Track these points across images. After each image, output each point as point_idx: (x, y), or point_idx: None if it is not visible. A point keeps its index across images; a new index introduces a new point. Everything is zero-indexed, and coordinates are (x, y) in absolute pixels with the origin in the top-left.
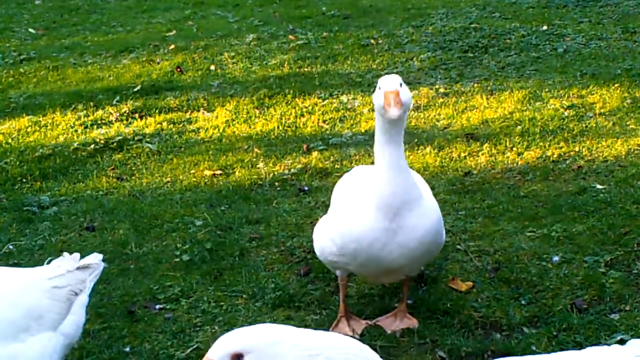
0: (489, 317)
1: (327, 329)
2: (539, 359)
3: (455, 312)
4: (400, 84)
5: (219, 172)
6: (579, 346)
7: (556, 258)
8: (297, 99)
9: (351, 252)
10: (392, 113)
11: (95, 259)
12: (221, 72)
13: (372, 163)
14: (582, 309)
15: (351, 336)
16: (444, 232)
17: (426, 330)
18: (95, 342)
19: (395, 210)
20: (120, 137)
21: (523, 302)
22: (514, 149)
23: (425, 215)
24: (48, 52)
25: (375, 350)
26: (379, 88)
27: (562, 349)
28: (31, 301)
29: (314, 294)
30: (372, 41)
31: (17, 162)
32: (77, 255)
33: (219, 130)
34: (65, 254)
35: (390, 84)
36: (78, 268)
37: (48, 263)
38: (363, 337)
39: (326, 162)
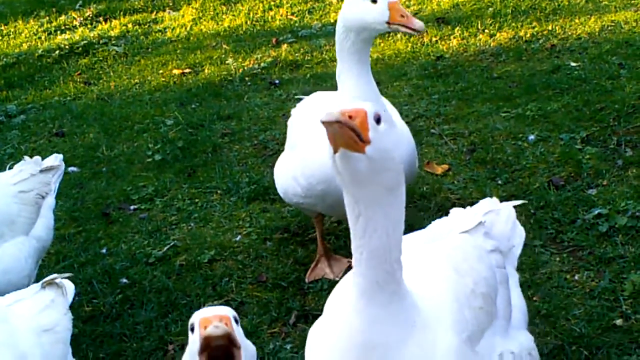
0: (466, 199)
1: (303, 221)
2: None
3: (432, 195)
4: None
5: (187, 70)
6: (557, 223)
7: (532, 137)
8: None
9: (318, 193)
10: (418, 24)
11: (57, 159)
12: None
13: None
14: (559, 186)
15: (331, 278)
16: (417, 162)
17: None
18: (72, 246)
19: None
20: (85, 42)
21: (500, 182)
22: (486, 31)
23: (401, 144)
24: None
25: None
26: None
27: (540, 227)
28: (1, 207)
29: None
30: None
31: None
32: (38, 158)
33: (185, 29)
34: (27, 157)
35: None
36: (41, 171)
37: (10, 168)
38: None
39: (296, 55)
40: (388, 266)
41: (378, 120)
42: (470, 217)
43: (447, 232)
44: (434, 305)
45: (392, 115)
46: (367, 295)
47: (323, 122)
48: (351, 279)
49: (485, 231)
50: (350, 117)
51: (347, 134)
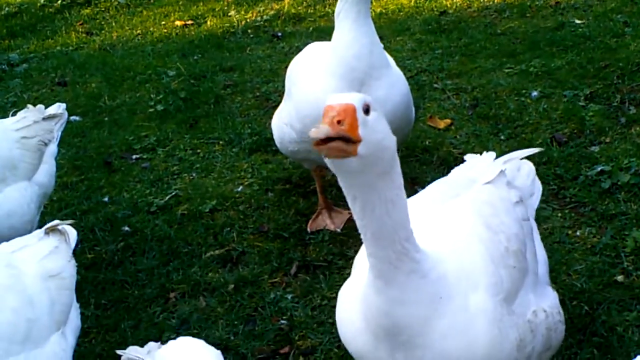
0: (468, 153)
1: (305, 172)
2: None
3: (434, 149)
4: None
5: (190, 22)
6: (560, 179)
7: (535, 93)
8: None
9: None
10: None
11: (59, 108)
12: None
13: None
14: (562, 142)
15: (332, 230)
16: (413, 108)
17: (406, 168)
18: (74, 194)
19: (362, 78)
20: None
21: (502, 137)
22: None
23: (395, 86)
24: None
25: None
26: None
27: (542, 183)
28: (4, 152)
29: None
30: None
31: None
32: (41, 106)
33: None
34: (30, 105)
35: None
36: (44, 119)
37: (13, 115)
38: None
39: (299, 8)
40: (398, 246)
41: (367, 110)
42: (490, 165)
43: (468, 182)
44: (468, 267)
45: (387, 58)
46: (384, 276)
47: (314, 141)
48: (366, 258)
49: (508, 180)
50: (339, 121)
51: (337, 150)
